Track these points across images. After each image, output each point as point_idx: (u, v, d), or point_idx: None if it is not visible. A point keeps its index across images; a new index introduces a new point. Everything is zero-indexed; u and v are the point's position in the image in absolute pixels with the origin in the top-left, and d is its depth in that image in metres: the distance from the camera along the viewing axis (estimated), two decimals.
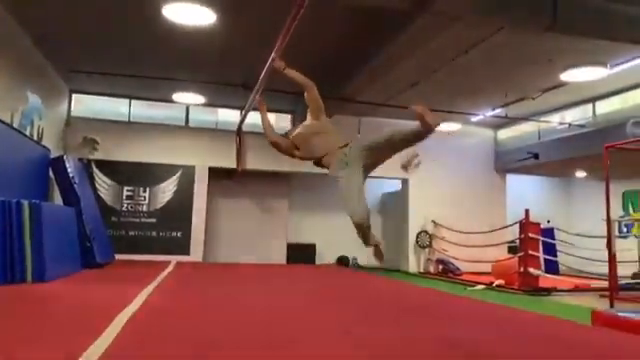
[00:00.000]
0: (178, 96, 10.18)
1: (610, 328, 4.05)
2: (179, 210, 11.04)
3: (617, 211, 12.56)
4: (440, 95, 9.65)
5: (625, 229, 12.13)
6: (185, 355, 2.80)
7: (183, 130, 11.36)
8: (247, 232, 11.91)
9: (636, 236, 11.21)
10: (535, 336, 3.73)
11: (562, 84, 8.39)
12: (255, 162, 11.46)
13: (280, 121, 11.97)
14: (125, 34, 7.42)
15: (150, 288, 5.67)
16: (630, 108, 8.97)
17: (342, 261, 12.70)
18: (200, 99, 10.29)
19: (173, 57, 8.26)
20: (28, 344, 2.94)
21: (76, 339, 2.98)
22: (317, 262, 12.49)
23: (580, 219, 13.25)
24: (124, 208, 10.86)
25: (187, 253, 10.89)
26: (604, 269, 10.38)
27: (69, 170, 8.73)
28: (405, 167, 12.08)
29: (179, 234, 10.97)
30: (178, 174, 11.17)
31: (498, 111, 10.45)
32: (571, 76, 7.52)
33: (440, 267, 11.52)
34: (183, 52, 7.98)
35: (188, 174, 11.20)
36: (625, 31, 5.95)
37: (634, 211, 12.32)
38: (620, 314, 4.11)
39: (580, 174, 12.79)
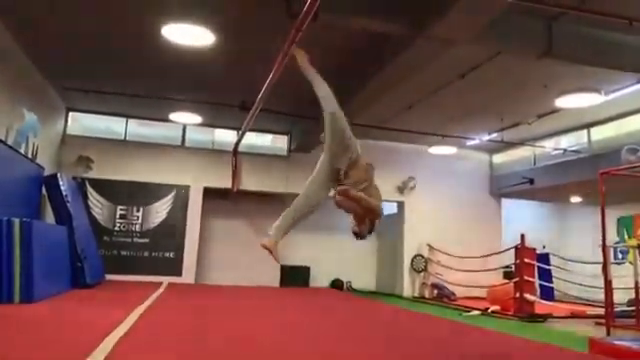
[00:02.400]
0: (175, 116, 10.19)
1: (606, 356, 3.99)
2: (172, 230, 10.92)
3: (612, 237, 12.58)
4: (436, 118, 9.70)
5: (620, 255, 12.10)
6: None
7: (179, 150, 11.32)
8: (240, 253, 11.75)
9: (631, 263, 11.15)
10: None
11: (557, 110, 8.45)
12: (250, 183, 11.41)
13: (278, 143, 12.00)
14: (124, 53, 7.45)
15: (138, 311, 5.56)
16: (625, 135, 9.03)
17: (336, 284, 12.55)
18: (197, 119, 10.30)
19: (171, 77, 8.29)
20: None
21: None
22: (311, 285, 12.33)
23: (575, 245, 13.20)
24: (117, 228, 10.74)
25: (179, 274, 10.73)
26: (599, 295, 10.35)
27: (62, 188, 8.65)
28: (401, 189, 12.07)
29: (171, 255, 10.83)
30: (172, 194, 11.09)
31: (494, 135, 10.50)
32: (565, 102, 7.59)
33: (435, 292, 11.41)
34: (181, 72, 8.01)
35: (183, 194, 11.12)
36: (619, 58, 6.03)
37: (628, 237, 12.29)
38: (616, 342, 4.04)
39: (575, 199, 12.81)
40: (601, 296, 10.14)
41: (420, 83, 7.61)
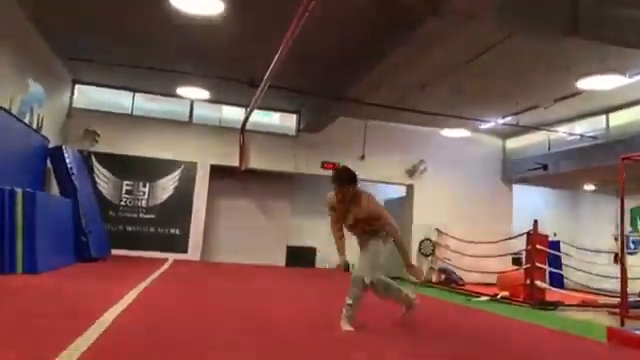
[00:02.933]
0: (182, 90, 9.98)
1: (626, 346, 3.82)
2: (179, 207, 10.81)
3: (625, 227, 12.35)
4: (450, 99, 9.43)
5: (632, 245, 11.89)
6: None
7: (186, 126, 11.15)
8: (246, 232, 11.68)
9: None
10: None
11: (577, 92, 8.16)
12: (258, 162, 11.24)
13: (286, 122, 11.79)
14: (131, 21, 7.22)
15: (141, 287, 5.45)
16: None
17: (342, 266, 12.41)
18: (204, 94, 10.09)
19: (178, 48, 8.07)
20: (2, 341, 2.72)
21: (55, 339, 2.75)
22: (317, 266, 12.23)
23: (586, 233, 12.98)
24: (123, 203, 10.64)
25: (185, 251, 10.66)
26: (609, 285, 10.18)
27: (67, 161, 8.53)
28: (410, 173, 11.85)
29: (177, 231, 10.74)
30: (179, 170, 10.96)
31: (509, 119, 10.21)
32: (588, 84, 7.29)
33: (442, 276, 11.25)
34: (189, 43, 7.79)
35: (189, 171, 10.98)
36: None
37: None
38: (637, 332, 3.86)
39: (588, 187, 12.53)
40: (611, 285, 10.07)
41: (435, 62, 7.34)
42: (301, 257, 11.94)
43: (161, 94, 10.88)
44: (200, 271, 8.64)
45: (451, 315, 6.02)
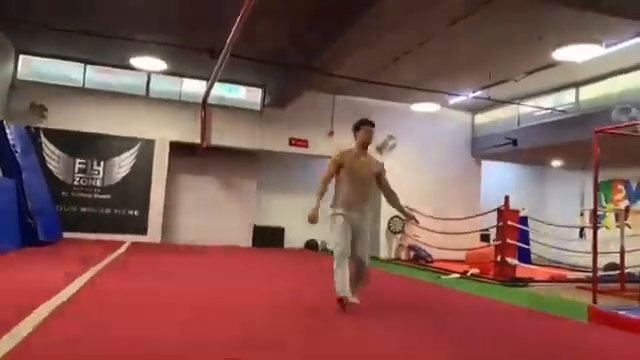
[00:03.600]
0: (137, 61, 9.26)
1: (608, 326, 3.63)
2: (136, 187, 10.20)
3: (589, 202, 12.47)
4: (421, 73, 9.11)
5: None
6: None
7: (143, 100, 10.48)
8: (210, 212, 11.19)
9: (607, 227, 11.08)
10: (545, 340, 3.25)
11: (551, 64, 7.95)
12: (221, 138, 10.72)
13: (251, 96, 11.25)
14: None
15: (91, 273, 4.97)
16: (615, 94, 8.64)
17: (311, 245, 12.14)
18: (161, 65, 9.41)
19: (131, 13, 7.39)
20: None
21: None
22: (285, 246, 11.90)
23: (553, 209, 13.08)
24: (76, 182, 9.95)
25: (144, 233, 10.11)
26: (575, 259, 10.27)
27: (10, 137, 7.81)
28: (380, 149, 11.55)
29: (135, 212, 10.15)
30: (136, 147, 10.31)
31: (479, 93, 9.99)
32: (563, 54, 7.05)
33: (412, 254, 11.12)
34: (143, 8, 7.14)
35: (147, 148, 10.35)
36: (619, 4, 5.50)
37: (606, 202, 12.18)
38: (621, 312, 3.66)
39: (556, 163, 12.55)
40: (576, 260, 10.16)
41: (406, 32, 6.99)
42: (268, 237, 11.57)
43: (114, 66, 10.14)
44: (158, 254, 8.14)
45: (423, 293, 5.79)
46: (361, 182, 4.38)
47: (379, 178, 4.51)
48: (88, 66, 10.12)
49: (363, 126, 4.53)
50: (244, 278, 6.04)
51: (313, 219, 4.29)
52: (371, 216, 4.48)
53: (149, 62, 9.37)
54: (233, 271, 6.78)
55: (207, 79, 9.24)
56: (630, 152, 7.38)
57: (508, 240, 7.82)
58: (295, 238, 12.03)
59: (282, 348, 2.67)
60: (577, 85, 9.46)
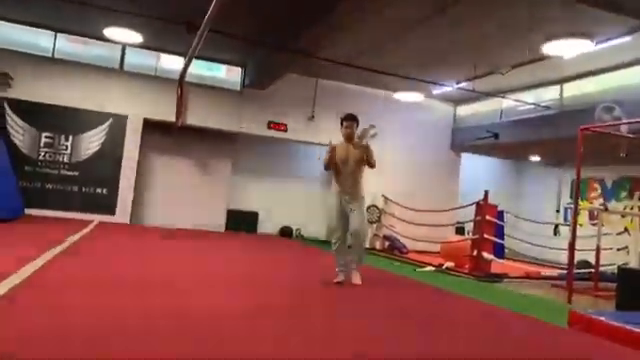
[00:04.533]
0: (111, 32, 8.75)
1: (591, 334, 3.49)
2: (106, 164, 9.76)
3: (566, 198, 12.54)
4: (406, 61, 8.88)
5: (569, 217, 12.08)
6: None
7: (117, 74, 9.99)
8: (183, 194, 10.82)
9: (581, 225, 11.12)
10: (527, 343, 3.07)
11: (538, 58, 7.79)
12: (198, 118, 10.33)
13: (231, 76, 10.85)
14: None
15: (48, 255, 4.61)
16: (599, 92, 8.55)
17: (285, 232, 11.90)
18: (137, 38, 8.93)
19: None
20: None
21: None
22: (259, 231, 11.64)
23: (529, 204, 13.11)
24: (41, 157, 9.44)
25: (112, 213, 9.71)
26: (548, 255, 10.29)
27: None
28: (360, 138, 11.30)
29: (104, 191, 9.72)
30: (108, 123, 9.85)
31: (464, 85, 9.82)
32: (552, 49, 6.89)
33: (386, 244, 10.99)
34: None
35: (119, 124, 9.90)
36: None
37: (581, 200, 12.23)
38: (603, 319, 3.52)
39: (534, 158, 12.54)
40: (550, 256, 10.18)
41: (393, 15, 6.72)
42: (242, 222, 11.28)
43: (87, 36, 9.60)
44: (123, 237, 7.78)
45: (398, 287, 5.61)
46: (349, 170, 5.09)
47: (366, 159, 5.14)
48: (59, 35, 9.56)
49: (345, 122, 5.21)
50: (206, 264, 5.75)
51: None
52: (363, 199, 5.19)
53: (124, 34, 8.89)
54: (197, 256, 6.47)
55: (185, 55, 8.82)
56: (609, 151, 7.31)
57: (485, 235, 7.72)
58: (269, 224, 11.78)
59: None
60: (561, 82, 9.37)
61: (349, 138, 5.18)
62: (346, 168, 5.10)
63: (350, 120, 5.22)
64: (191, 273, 4.89)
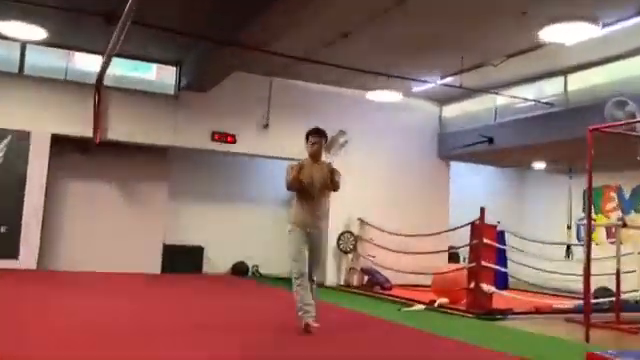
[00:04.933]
0: (6, 27, 8.53)
1: None
2: (5, 195, 9.53)
3: (578, 212, 12.87)
4: (378, 53, 9.02)
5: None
6: None
7: (15, 79, 9.84)
8: (106, 229, 10.59)
9: (597, 244, 11.46)
10: None
11: (536, 46, 8.03)
12: (122, 131, 10.21)
13: (163, 77, 10.77)
14: None
15: None
16: (610, 84, 8.87)
17: (239, 270, 11.77)
18: (41, 33, 8.73)
19: None
20: None
21: None
22: (206, 270, 11.48)
23: (535, 220, 13.39)
24: None
25: (14, 256, 9.42)
26: (560, 283, 10.50)
27: None
28: (328, 148, 11.36)
29: (2, 229, 9.43)
30: (4, 142, 9.64)
31: (449, 80, 10.02)
32: (551, 35, 7.12)
33: (365, 278, 11.01)
34: None
35: (20, 143, 9.70)
36: None
37: (596, 213, 12.59)
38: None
39: (539, 165, 12.85)
40: (563, 283, 10.39)
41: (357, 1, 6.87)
42: (183, 259, 11.13)
43: None
44: (30, 289, 7.49)
45: (376, 336, 5.60)
46: (315, 193, 5.24)
47: (331, 180, 5.26)
48: None
49: (311, 137, 5.36)
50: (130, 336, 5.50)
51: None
52: (326, 225, 5.72)
53: (23, 28, 8.66)
54: (118, 322, 6.23)
55: (103, 53, 8.71)
56: (624, 154, 7.55)
57: (483, 262, 7.82)
58: (218, 261, 11.65)
59: None
60: (565, 72, 9.68)
61: (315, 156, 5.34)
62: (312, 191, 5.23)
63: (317, 135, 5.36)
64: (125, 329, 4.74)
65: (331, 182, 5.25)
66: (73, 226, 10.50)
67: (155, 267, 10.88)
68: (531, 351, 4.86)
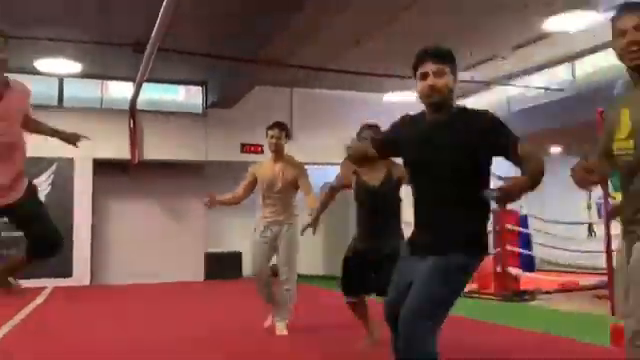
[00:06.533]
0: (44, 64, 8.85)
1: None
2: (55, 218, 9.49)
3: (597, 192, 12.66)
4: (390, 56, 9.03)
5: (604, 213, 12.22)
6: None
7: (56, 111, 10.00)
8: (151, 244, 10.77)
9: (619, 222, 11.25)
10: None
11: (541, 36, 8.00)
12: (156, 151, 10.39)
13: (191, 97, 10.97)
14: None
15: None
16: (615, 67, 8.75)
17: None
18: (76, 67, 9.03)
19: (29, 5, 7.03)
20: None
21: None
22: (244, 274, 11.61)
23: (555, 204, 13.23)
24: None
25: (69, 274, 9.67)
26: (582, 261, 10.38)
27: None
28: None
29: None
30: (51, 170, 9.89)
31: (460, 75, 10.00)
32: (554, 25, 7.09)
33: None
34: None
35: (65, 169, 9.95)
36: None
37: (614, 191, 12.39)
38: None
39: (554, 149, 12.71)
40: (589, 261, 10.26)
41: (369, 6, 6.89)
42: (224, 266, 11.26)
43: (16, 71, 9.65)
44: (83, 306, 7.65)
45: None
46: (276, 194, 4.75)
47: (299, 184, 4.74)
48: None
49: (269, 131, 4.89)
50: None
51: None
52: (293, 230, 4.78)
53: (60, 64, 9.00)
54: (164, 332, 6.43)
55: (134, 80, 8.93)
56: None
57: (508, 247, 7.81)
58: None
59: None
60: (573, 58, 9.60)
61: (277, 152, 4.86)
62: (272, 193, 4.79)
63: (274, 128, 4.87)
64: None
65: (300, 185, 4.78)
66: (121, 242, 10.71)
67: (199, 275, 11.05)
68: (558, 328, 4.88)
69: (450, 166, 2.37)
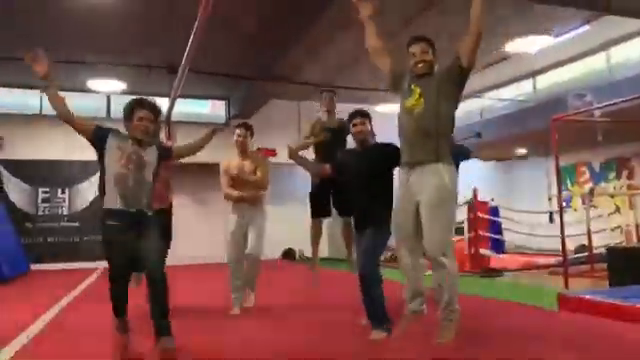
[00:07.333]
0: (95, 84, 9.07)
1: (579, 312, 3.69)
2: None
3: (555, 186, 12.74)
4: (376, 72, 9.14)
5: (564, 203, 12.29)
6: None
7: (105, 122, 10.19)
8: (183, 228, 10.93)
9: (575, 210, 11.36)
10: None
11: (505, 57, 8.11)
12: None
13: (216, 110, 11.14)
14: (25, 9, 6.32)
15: (60, 306, 4.79)
16: (569, 81, 8.88)
17: (289, 254, 12.05)
18: (120, 86, 9.24)
19: (82, 36, 7.23)
20: None
21: None
22: (262, 257, 11.77)
23: (522, 196, 13.31)
24: (40, 212, 9.64)
25: None
26: (545, 244, 10.47)
27: None
28: None
29: None
30: (98, 176, 10.06)
31: None
32: (516, 46, 7.21)
33: (388, 254, 11.12)
34: (93, 30, 6.99)
35: None
36: None
37: (571, 185, 12.48)
38: (588, 296, 3.72)
39: (520, 152, 12.77)
40: (548, 245, 10.37)
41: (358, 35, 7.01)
42: None
43: (72, 89, 9.87)
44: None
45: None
46: (244, 186, 4.57)
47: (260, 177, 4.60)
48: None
49: (237, 129, 4.73)
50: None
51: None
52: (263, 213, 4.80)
53: (107, 84, 9.20)
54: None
55: (169, 96, 9.11)
56: (589, 135, 7.58)
57: (480, 232, 7.93)
58: (271, 247, 11.91)
59: None
60: (533, 75, 9.70)
61: (243, 149, 4.66)
62: (240, 186, 4.61)
63: (242, 128, 4.69)
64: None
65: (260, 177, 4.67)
66: None
67: (224, 257, 11.22)
68: (518, 297, 4.99)
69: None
